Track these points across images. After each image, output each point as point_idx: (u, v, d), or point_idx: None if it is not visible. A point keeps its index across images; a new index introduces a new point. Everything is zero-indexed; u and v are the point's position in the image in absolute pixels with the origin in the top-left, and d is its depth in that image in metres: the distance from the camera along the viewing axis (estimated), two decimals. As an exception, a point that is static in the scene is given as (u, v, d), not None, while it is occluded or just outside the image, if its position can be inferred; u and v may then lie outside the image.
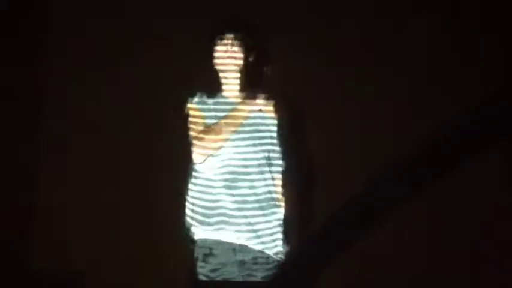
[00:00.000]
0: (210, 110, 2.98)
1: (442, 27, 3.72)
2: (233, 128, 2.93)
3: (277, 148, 2.97)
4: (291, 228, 2.99)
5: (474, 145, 3.58)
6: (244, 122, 2.96)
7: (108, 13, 3.86)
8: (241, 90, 3.00)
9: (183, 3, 3.83)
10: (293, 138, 3.01)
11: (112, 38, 3.85)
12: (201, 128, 2.94)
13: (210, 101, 3.00)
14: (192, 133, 2.96)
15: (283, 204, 2.98)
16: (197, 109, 2.99)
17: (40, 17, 3.88)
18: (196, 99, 3.01)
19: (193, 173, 3.03)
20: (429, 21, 3.73)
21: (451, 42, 3.72)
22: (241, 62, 2.97)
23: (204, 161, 2.92)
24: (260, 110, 2.98)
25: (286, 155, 2.97)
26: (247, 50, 2.96)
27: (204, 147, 2.91)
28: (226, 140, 2.91)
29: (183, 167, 3.11)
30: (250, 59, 2.98)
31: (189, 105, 3.02)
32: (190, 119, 3.00)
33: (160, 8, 3.83)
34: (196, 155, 2.91)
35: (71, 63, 3.87)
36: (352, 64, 3.73)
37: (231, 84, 2.99)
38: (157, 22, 3.82)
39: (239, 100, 3.00)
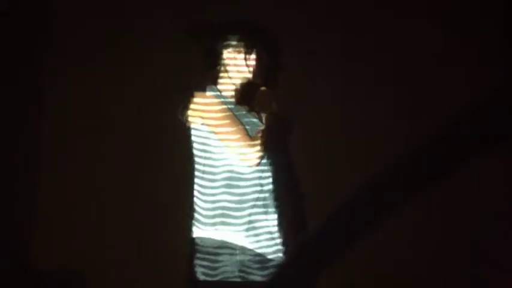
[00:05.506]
0: (226, 103, 2.97)
1: (441, 27, 3.72)
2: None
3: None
4: (290, 228, 3.00)
5: (474, 145, 3.57)
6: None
7: (108, 13, 3.86)
8: (249, 94, 3.00)
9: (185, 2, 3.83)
10: (294, 139, 3.01)
11: (112, 38, 3.85)
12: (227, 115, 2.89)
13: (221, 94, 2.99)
14: (220, 128, 2.90)
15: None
16: (215, 96, 2.96)
17: (40, 17, 3.89)
18: (209, 92, 2.98)
19: (194, 172, 3.03)
20: (429, 21, 3.73)
21: (451, 42, 3.73)
22: (249, 67, 2.96)
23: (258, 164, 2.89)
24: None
25: (287, 155, 2.97)
26: (255, 55, 2.96)
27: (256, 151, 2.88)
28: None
29: (183, 167, 3.12)
30: (258, 63, 2.96)
31: (206, 94, 2.98)
32: (209, 109, 2.94)
33: (161, 7, 3.83)
34: (251, 157, 2.87)
35: (71, 63, 3.87)
36: (353, 63, 3.74)
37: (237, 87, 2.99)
38: (158, 21, 3.82)
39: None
